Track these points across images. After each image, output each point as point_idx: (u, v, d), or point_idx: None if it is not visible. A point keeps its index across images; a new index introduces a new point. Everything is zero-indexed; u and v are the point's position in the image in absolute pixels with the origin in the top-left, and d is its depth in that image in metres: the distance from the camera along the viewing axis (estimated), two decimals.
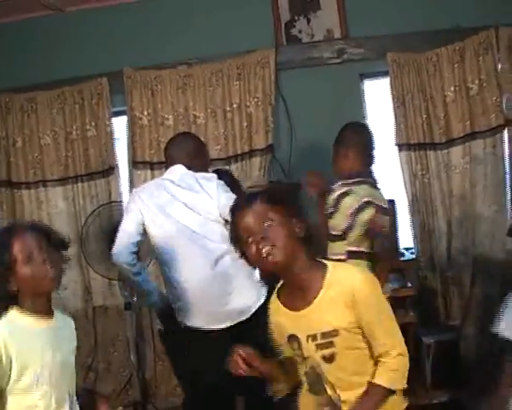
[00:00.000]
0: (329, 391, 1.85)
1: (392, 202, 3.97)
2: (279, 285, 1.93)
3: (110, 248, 3.09)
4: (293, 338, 1.85)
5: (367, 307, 1.78)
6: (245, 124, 4.26)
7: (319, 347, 1.81)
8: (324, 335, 1.80)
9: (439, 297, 4.20)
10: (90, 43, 4.42)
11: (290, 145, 4.24)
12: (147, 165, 4.34)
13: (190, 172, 3.03)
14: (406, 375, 1.85)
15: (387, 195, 3.90)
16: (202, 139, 3.95)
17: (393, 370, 1.81)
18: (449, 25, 4.17)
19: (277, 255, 1.77)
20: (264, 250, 1.76)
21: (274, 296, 1.94)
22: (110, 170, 4.41)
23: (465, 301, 4.16)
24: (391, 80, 4.18)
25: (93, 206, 4.37)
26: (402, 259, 4.16)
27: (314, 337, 1.81)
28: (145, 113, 4.35)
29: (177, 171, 3.04)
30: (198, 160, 3.11)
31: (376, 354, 1.83)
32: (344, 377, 1.83)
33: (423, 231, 4.19)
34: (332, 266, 1.85)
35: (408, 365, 1.84)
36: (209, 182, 3.00)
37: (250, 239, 1.79)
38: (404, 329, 3.60)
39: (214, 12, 4.34)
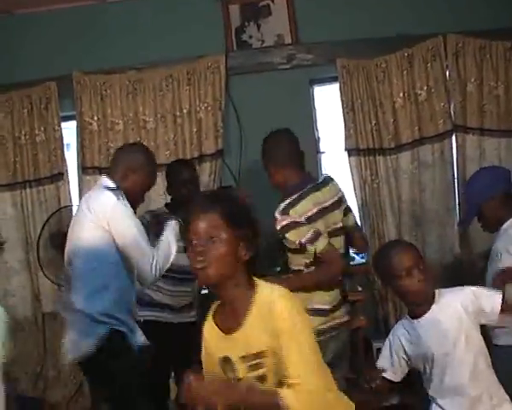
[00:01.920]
0: None
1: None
2: (214, 305, 1.90)
3: (61, 254, 3.05)
4: (225, 361, 1.82)
5: (284, 331, 1.71)
6: (195, 129, 4.23)
7: (251, 368, 1.79)
8: (255, 356, 1.77)
9: (389, 302, 4.22)
10: (39, 47, 4.35)
11: (240, 151, 4.23)
12: (96, 170, 4.28)
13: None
14: None
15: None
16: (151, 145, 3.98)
17: (299, 401, 1.68)
18: (398, 32, 4.21)
19: (210, 273, 1.74)
20: (198, 263, 1.74)
21: (209, 317, 1.90)
22: (59, 175, 4.35)
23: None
24: (340, 86, 4.20)
25: (42, 212, 4.31)
26: (352, 263, 4.17)
27: (246, 358, 1.78)
28: (95, 118, 4.30)
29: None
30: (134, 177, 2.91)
31: (289, 382, 1.71)
32: None
33: (373, 235, 4.22)
34: (262, 285, 1.81)
35: (318, 402, 1.72)
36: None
37: (193, 242, 1.77)
38: (355, 332, 3.66)
39: (164, 16, 4.32)
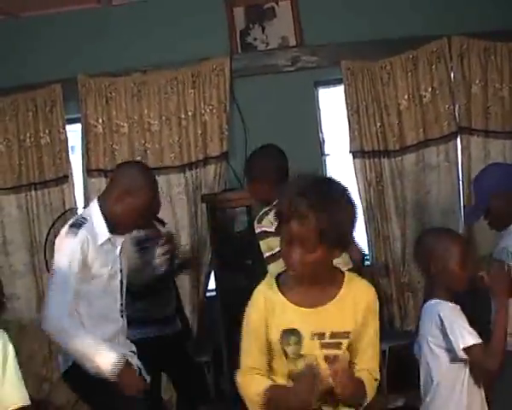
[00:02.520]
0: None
1: None
2: (281, 278, 1.89)
3: None
4: (291, 333, 1.81)
5: (373, 321, 1.85)
6: (200, 131, 4.24)
7: (325, 346, 1.81)
8: (334, 335, 1.81)
9: (394, 303, 4.22)
10: (44, 50, 4.36)
11: (245, 153, 4.22)
12: (101, 173, 4.29)
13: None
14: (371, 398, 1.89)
15: None
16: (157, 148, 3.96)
17: (373, 387, 1.88)
18: (403, 34, 4.22)
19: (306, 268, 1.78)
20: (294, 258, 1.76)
21: (272, 288, 1.87)
22: (64, 178, 4.35)
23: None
24: (345, 88, 4.21)
25: (47, 214, 4.32)
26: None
27: (321, 336, 1.80)
28: (99, 120, 4.31)
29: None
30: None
31: (361, 368, 1.86)
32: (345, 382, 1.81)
33: (378, 237, 4.22)
34: (347, 273, 1.89)
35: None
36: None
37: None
38: None
39: (169, 19, 4.33)
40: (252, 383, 1.86)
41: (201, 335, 4.25)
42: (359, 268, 3.35)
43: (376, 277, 4.18)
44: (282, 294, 1.85)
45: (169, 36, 4.30)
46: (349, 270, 3.10)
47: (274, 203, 2.76)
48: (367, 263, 4.24)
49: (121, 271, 2.76)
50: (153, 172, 2.98)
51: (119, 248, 2.72)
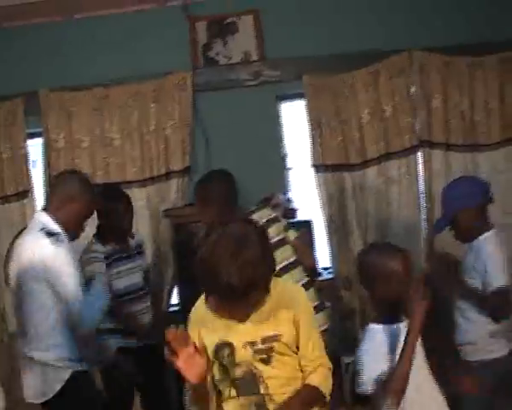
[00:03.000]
0: (262, 390, 1.94)
1: (309, 222, 4.02)
2: (204, 297, 1.97)
3: None
4: (223, 346, 1.93)
5: (304, 316, 1.97)
6: (162, 146, 4.22)
7: (257, 352, 1.92)
8: (265, 340, 1.92)
9: (357, 316, 4.23)
10: (5, 63, 4.32)
11: (207, 167, 4.21)
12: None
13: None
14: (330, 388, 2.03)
15: (304, 216, 3.96)
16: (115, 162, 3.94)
17: (325, 377, 2.01)
18: (364, 48, 4.25)
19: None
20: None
21: (202, 307, 1.98)
22: (25, 192, 4.30)
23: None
24: (307, 102, 4.22)
25: (7, 229, 4.26)
26: (320, 278, 4.17)
27: (253, 344, 1.92)
28: (61, 135, 4.27)
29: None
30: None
31: (307, 364, 1.99)
32: (277, 378, 1.95)
33: (340, 250, 4.23)
34: (273, 279, 1.94)
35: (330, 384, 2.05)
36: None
37: None
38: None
39: (131, 33, 4.31)
40: None
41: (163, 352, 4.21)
42: (313, 274, 3.38)
43: (339, 290, 4.19)
44: (212, 310, 1.95)
45: (131, 50, 4.29)
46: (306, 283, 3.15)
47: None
48: (330, 276, 4.25)
49: None
50: (88, 178, 3.03)
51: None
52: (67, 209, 2.74)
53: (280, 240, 3.16)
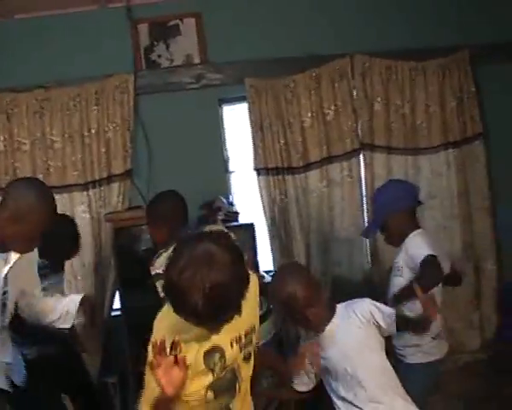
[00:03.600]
0: (237, 389, 1.93)
1: (251, 225, 4.01)
2: None
3: None
4: (212, 352, 1.83)
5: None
6: (103, 149, 4.17)
7: (243, 347, 1.89)
8: (247, 333, 1.90)
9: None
10: None
11: (149, 171, 4.20)
12: (2, 192, 4.17)
13: None
14: None
15: (246, 219, 3.95)
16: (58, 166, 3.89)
17: None
18: (306, 52, 4.26)
19: None
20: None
21: (173, 314, 1.78)
22: None
23: None
24: (249, 106, 4.22)
25: None
26: (262, 281, 4.17)
27: (238, 339, 1.87)
28: (1, 138, 4.20)
29: None
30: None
31: None
32: (248, 371, 1.96)
33: (283, 253, 4.24)
34: None
35: None
36: None
37: None
38: None
39: (73, 35, 4.26)
40: None
41: (107, 356, 4.18)
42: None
43: None
44: None
45: (72, 52, 4.23)
46: None
47: (169, 247, 2.84)
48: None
49: (5, 293, 2.63)
50: (46, 189, 2.76)
51: (6, 268, 2.58)
52: (18, 226, 2.44)
53: None
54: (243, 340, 1.88)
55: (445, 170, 4.37)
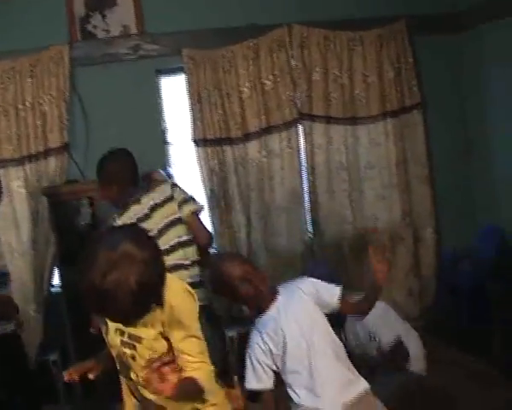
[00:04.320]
0: (133, 377, 1.91)
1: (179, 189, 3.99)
2: None
3: None
4: (102, 320, 1.91)
5: (178, 326, 1.84)
6: (39, 122, 4.10)
7: (123, 343, 1.88)
8: (130, 336, 1.85)
9: None
10: None
11: (86, 143, 4.15)
12: None
13: None
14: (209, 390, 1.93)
15: (187, 189, 3.92)
16: None
17: (204, 373, 1.88)
18: (244, 22, 4.25)
19: None
20: None
21: None
22: None
23: None
24: (187, 77, 4.19)
25: None
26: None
27: (122, 333, 1.87)
28: None
29: None
30: None
31: (185, 365, 1.87)
32: (141, 367, 1.88)
33: (222, 225, 4.23)
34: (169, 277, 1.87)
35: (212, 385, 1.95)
36: None
37: None
38: None
39: (6, 6, 4.15)
40: None
41: (47, 333, 4.13)
42: (206, 251, 3.37)
43: None
44: None
45: (6, 24, 4.14)
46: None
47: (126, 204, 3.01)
48: (213, 251, 4.24)
49: None
50: None
51: None
52: None
53: (173, 220, 3.13)
54: (125, 337, 1.89)
55: (383, 139, 4.41)
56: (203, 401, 1.94)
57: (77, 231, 4.01)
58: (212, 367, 1.93)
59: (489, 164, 4.51)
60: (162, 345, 1.87)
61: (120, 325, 1.88)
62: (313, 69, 4.31)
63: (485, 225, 4.42)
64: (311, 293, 2.38)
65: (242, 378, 2.39)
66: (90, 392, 3.88)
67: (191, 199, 3.28)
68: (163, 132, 4.34)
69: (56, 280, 4.16)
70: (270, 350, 2.33)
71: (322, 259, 4.21)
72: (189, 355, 1.86)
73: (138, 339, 1.86)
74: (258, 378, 2.33)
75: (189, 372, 1.85)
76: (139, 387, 1.93)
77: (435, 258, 4.52)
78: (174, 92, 4.34)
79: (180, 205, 3.20)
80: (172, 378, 1.72)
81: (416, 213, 4.49)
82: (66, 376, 1.97)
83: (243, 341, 3.91)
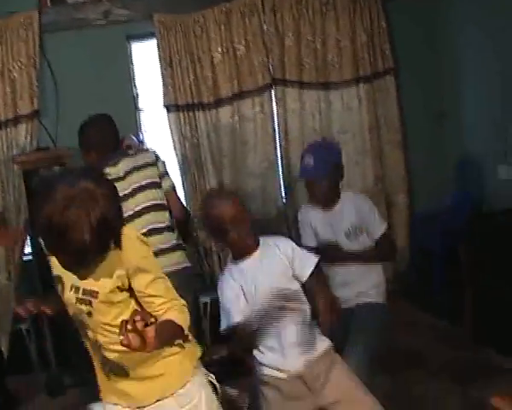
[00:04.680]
0: (91, 335, 1.89)
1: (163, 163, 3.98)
2: None
3: None
4: (58, 279, 1.88)
5: (142, 274, 1.84)
6: (8, 89, 4.05)
7: (79, 301, 1.84)
8: (85, 292, 1.83)
9: (214, 255, 4.27)
10: None
11: (57, 110, 4.11)
12: None
13: None
14: (187, 324, 1.91)
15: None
16: None
17: (178, 312, 1.88)
18: None
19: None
20: None
21: None
22: None
23: None
24: (158, 42, 4.16)
25: None
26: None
27: (77, 290, 1.84)
28: None
29: None
30: None
31: (155, 311, 1.86)
32: (104, 328, 1.86)
33: (195, 191, 4.24)
34: (124, 232, 1.84)
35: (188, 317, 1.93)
36: None
37: None
38: None
39: None
40: None
41: (19, 301, 4.11)
42: (185, 225, 3.36)
43: (195, 230, 4.20)
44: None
45: None
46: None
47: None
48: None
49: None
50: None
51: None
52: None
53: (154, 182, 3.12)
54: (80, 294, 1.85)
55: (356, 105, 4.42)
56: (186, 337, 1.96)
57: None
58: (183, 301, 1.94)
59: (461, 129, 4.52)
60: (119, 298, 1.87)
61: (76, 281, 1.84)
62: (286, 34, 4.30)
63: (457, 189, 4.44)
64: (286, 253, 2.37)
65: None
66: (63, 360, 3.91)
67: (168, 175, 3.26)
68: (134, 99, 4.31)
69: (28, 249, 4.14)
70: (239, 298, 2.30)
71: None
72: (160, 297, 1.87)
73: (94, 294, 1.84)
74: (228, 317, 2.30)
75: (164, 316, 1.85)
76: (99, 346, 1.92)
77: (408, 223, 4.54)
78: (145, 58, 4.30)
79: (160, 178, 3.19)
80: (150, 331, 1.69)
81: (389, 179, 4.52)
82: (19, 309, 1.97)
83: (216, 307, 3.99)
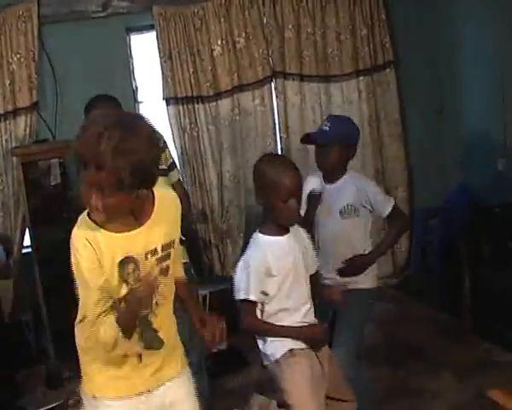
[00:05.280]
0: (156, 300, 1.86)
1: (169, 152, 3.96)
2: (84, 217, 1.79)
3: None
4: (127, 261, 1.79)
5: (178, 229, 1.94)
6: (8, 82, 4.03)
7: (159, 260, 1.84)
8: (164, 247, 1.84)
9: (213, 249, 4.26)
10: None
11: (56, 103, 4.10)
12: None
13: None
14: None
15: None
16: None
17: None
18: None
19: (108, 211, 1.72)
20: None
21: (93, 226, 1.76)
22: None
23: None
24: (157, 34, 4.14)
25: None
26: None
27: (154, 252, 1.82)
28: None
29: None
30: None
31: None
32: (168, 287, 1.91)
33: (194, 184, 4.23)
34: (156, 190, 1.86)
35: None
36: None
37: None
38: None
39: None
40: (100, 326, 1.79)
41: (19, 294, 4.12)
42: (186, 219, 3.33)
43: (194, 223, 4.20)
44: (103, 228, 1.77)
45: None
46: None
47: None
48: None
49: None
50: None
51: None
52: None
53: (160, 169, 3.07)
54: (160, 253, 1.83)
55: (356, 97, 4.41)
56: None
57: (47, 192, 3.98)
58: None
59: (461, 122, 4.52)
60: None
61: (148, 246, 1.81)
62: (286, 27, 4.29)
63: (457, 183, 4.44)
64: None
65: None
66: (63, 353, 3.90)
67: (176, 167, 3.22)
68: (133, 91, 4.30)
69: (27, 241, 4.13)
70: (270, 272, 2.20)
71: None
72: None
73: (172, 244, 1.87)
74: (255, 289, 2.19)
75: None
76: (146, 316, 1.86)
77: (408, 216, 4.53)
78: (145, 50, 4.28)
79: (168, 167, 3.15)
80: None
81: (389, 172, 4.51)
82: None
83: (216, 300, 3.99)
